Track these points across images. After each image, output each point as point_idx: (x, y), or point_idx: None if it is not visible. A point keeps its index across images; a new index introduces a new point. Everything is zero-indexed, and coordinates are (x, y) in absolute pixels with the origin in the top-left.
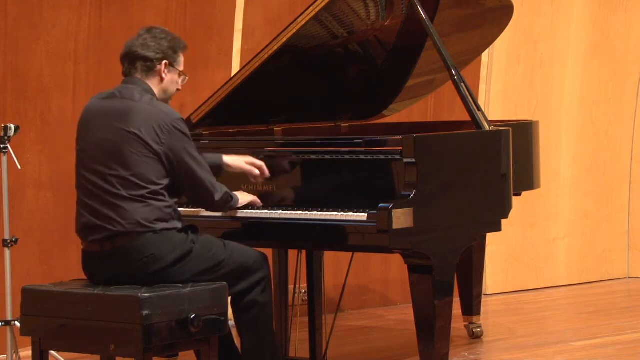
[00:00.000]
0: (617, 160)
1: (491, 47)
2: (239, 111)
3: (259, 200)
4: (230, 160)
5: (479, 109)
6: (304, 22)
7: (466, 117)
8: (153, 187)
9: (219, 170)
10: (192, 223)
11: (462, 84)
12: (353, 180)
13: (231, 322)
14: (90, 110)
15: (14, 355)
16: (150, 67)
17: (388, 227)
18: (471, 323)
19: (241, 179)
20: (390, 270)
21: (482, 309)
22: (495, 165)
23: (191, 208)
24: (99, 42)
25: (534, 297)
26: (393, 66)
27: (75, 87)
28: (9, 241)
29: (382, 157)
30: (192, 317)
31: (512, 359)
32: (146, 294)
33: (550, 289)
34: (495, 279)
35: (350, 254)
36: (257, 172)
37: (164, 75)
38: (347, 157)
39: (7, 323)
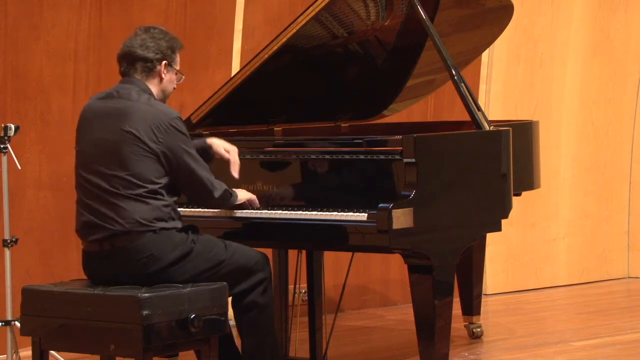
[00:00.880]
0: (617, 160)
1: (491, 47)
2: (239, 111)
3: (257, 200)
4: (214, 140)
5: (479, 109)
6: (304, 22)
7: (466, 117)
8: (151, 186)
9: (207, 154)
10: (193, 223)
11: (462, 84)
12: (353, 180)
13: (231, 323)
14: (89, 110)
15: (14, 355)
16: (150, 68)
17: (388, 227)
18: (471, 323)
19: (241, 179)
20: (390, 270)
21: (482, 309)
22: (495, 165)
23: (191, 208)
24: (99, 42)
25: (534, 297)
26: (393, 66)
27: (75, 87)
28: (9, 241)
29: (382, 157)
30: (192, 317)
31: (512, 359)
32: (146, 294)
33: (550, 289)
34: (495, 279)
35: (350, 254)
36: (234, 158)
37: (163, 76)
38: (347, 157)
39: (7, 323)
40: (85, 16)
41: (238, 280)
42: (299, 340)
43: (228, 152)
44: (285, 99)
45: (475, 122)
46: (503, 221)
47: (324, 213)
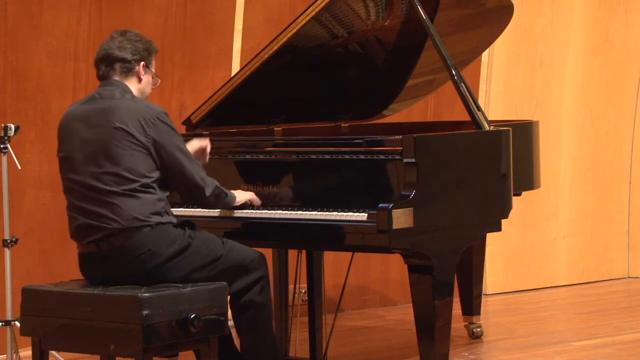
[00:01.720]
0: (617, 160)
1: (491, 47)
2: (239, 111)
3: (257, 198)
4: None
5: (479, 109)
6: (304, 22)
7: (466, 117)
8: (144, 180)
9: None
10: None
11: (462, 84)
12: (353, 180)
13: (231, 323)
14: (69, 116)
15: (14, 355)
16: (129, 68)
17: (388, 227)
18: (471, 323)
19: (241, 179)
20: (390, 270)
21: (482, 309)
22: (495, 165)
23: (191, 208)
24: (99, 42)
25: (534, 297)
26: (393, 66)
27: (75, 87)
28: (9, 241)
29: (382, 157)
30: (192, 317)
31: (512, 359)
32: (146, 294)
33: (550, 289)
34: (495, 279)
35: (350, 254)
36: (205, 145)
37: (141, 77)
38: (347, 157)
39: (7, 323)
40: (85, 16)
41: (235, 277)
42: (299, 340)
43: (200, 141)
44: (285, 99)
45: (475, 122)
46: (503, 221)
47: (324, 213)
